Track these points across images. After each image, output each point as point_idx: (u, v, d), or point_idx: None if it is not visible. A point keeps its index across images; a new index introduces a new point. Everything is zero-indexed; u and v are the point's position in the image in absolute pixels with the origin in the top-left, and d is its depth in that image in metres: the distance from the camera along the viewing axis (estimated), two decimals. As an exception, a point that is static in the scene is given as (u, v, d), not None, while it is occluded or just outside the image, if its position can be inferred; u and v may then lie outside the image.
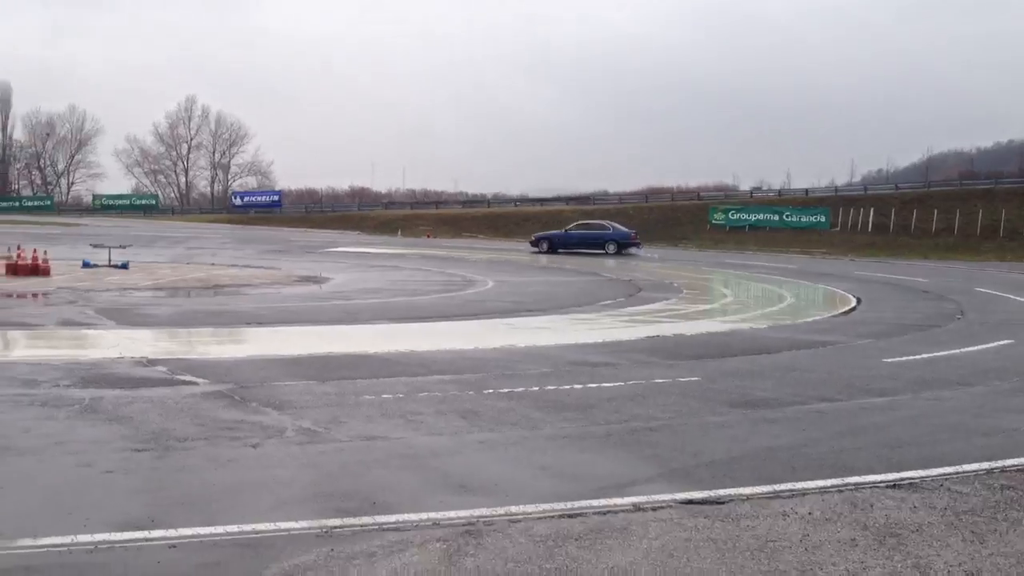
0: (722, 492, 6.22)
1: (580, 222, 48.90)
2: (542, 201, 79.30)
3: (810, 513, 5.82)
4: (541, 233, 46.28)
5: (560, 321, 17.65)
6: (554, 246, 43.14)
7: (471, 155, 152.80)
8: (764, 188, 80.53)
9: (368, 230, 67.19)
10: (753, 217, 63.24)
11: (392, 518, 5.47)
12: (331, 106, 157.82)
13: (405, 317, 17.37)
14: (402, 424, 8.11)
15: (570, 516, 5.63)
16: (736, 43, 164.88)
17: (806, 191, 71.98)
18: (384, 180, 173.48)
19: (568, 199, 79.00)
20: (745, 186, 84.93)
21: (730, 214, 63.97)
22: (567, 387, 10.09)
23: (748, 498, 6.13)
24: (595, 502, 5.92)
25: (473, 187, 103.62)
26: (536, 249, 43.58)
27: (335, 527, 5.28)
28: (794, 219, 61.92)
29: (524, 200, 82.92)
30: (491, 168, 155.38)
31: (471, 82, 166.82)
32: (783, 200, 68.76)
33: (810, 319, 18.86)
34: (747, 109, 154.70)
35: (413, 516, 5.52)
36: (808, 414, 9.07)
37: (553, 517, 5.60)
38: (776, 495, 6.23)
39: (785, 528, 5.50)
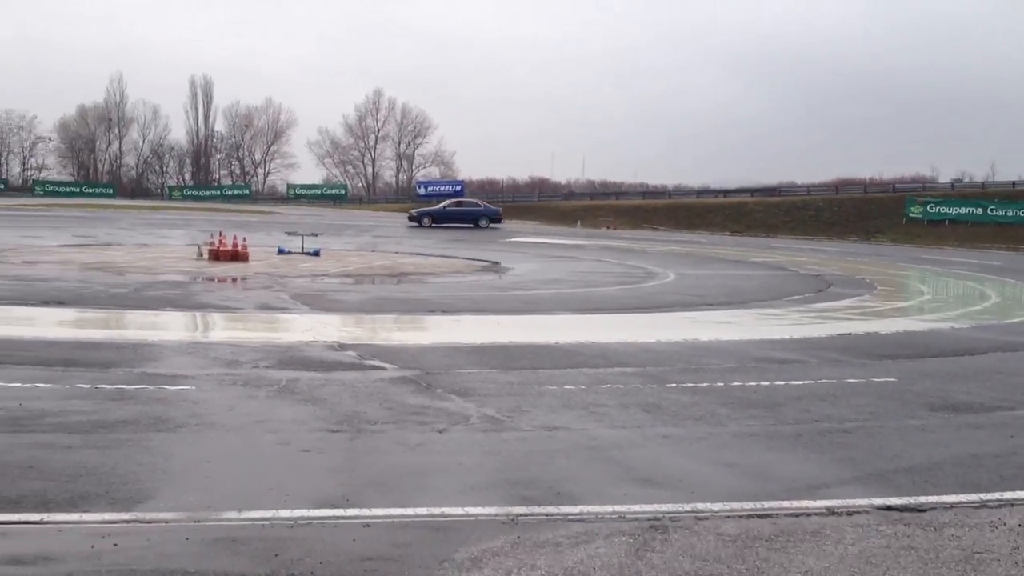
0: (923, 499, 5.94)
1: (455, 200, 56.80)
2: (725, 192, 77.66)
3: (1020, 525, 5.48)
4: (422, 209, 53.18)
5: (744, 316, 17.27)
6: (435, 220, 49.45)
7: (652, 146, 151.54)
8: (966, 180, 76.04)
9: (547, 220, 67.67)
10: (954, 211, 59.79)
11: (576, 509, 5.51)
12: (512, 97, 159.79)
13: (585, 308, 17.42)
14: (584, 415, 8.15)
15: (760, 516, 5.51)
16: (929, 34, 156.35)
17: (1013, 183, 67.46)
18: (564, 171, 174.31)
19: (753, 190, 77.05)
20: (944, 178, 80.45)
21: (928, 207, 60.71)
22: (753, 384, 9.87)
23: (952, 506, 5.84)
24: (786, 503, 5.78)
25: (653, 178, 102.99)
26: (415, 224, 49.20)
27: (521, 515, 5.37)
28: (1000, 213, 58.12)
29: (706, 191, 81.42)
30: (672, 159, 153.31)
31: (653, 72, 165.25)
32: (987, 193, 64.67)
33: (1018, 319, 17.71)
34: (944, 99, 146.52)
35: (597, 508, 5.55)
36: (1017, 420, 8.53)
37: (742, 516, 5.49)
38: (983, 504, 5.90)
39: (993, 540, 5.20)
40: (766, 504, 5.73)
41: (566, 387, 9.33)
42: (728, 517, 5.46)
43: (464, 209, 52.13)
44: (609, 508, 5.55)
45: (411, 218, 50.54)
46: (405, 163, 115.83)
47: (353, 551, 4.76)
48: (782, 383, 9.98)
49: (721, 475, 6.47)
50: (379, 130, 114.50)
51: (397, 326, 14.63)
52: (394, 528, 5.13)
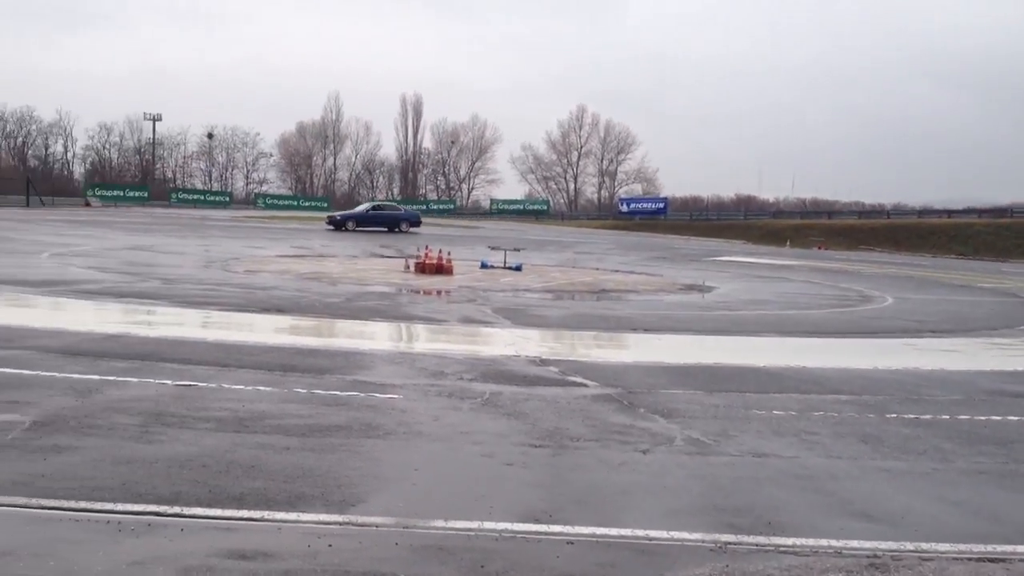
0: None
1: (375, 204, 58.33)
2: (949, 212, 73.46)
3: None
4: (344, 213, 53.82)
5: (971, 345, 16.25)
6: (359, 224, 49.66)
7: (866, 163, 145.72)
8: None
9: (754, 239, 66.15)
10: None
11: (789, 540, 5.33)
12: (719, 112, 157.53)
13: (794, 331, 16.87)
14: (795, 443, 7.88)
15: (991, 560, 5.16)
16: None
17: None
18: (772, 188, 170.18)
19: (980, 211, 72.50)
20: None
21: None
22: (983, 418, 9.27)
23: None
24: (1021, 548, 5.38)
25: (869, 197, 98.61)
26: (333, 228, 49.12)
27: (729, 543, 5.24)
28: None
29: (928, 211, 77.31)
30: (888, 177, 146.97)
31: (867, 88, 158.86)
32: None
33: None
34: None
35: (812, 541, 5.34)
36: None
37: (971, 559, 5.16)
38: None
39: None
40: (999, 548, 5.35)
41: (775, 412, 9.06)
42: (956, 559, 5.14)
43: (385, 213, 52.62)
44: (824, 542, 5.33)
45: (331, 222, 50.34)
46: (607, 180, 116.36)
47: (556, 568, 4.78)
48: (1015, 419, 9.32)
49: (947, 514, 6.10)
50: (582, 146, 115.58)
51: (598, 343, 14.64)
52: (597, 547, 5.12)
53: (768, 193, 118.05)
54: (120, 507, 5.37)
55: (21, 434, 6.84)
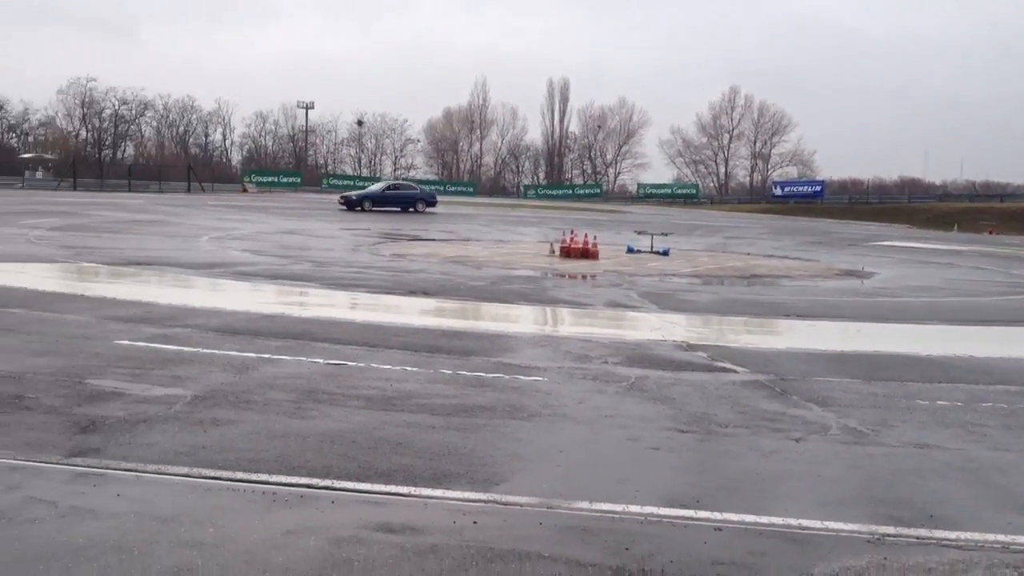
0: None
1: (391, 183, 58.81)
2: None
3: None
4: (360, 192, 51.99)
5: None
6: (375, 204, 48.62)
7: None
8: None
9: (918, 224, 63.54)
10: None
11: (952, 534, 5.12)
12: (879, 92, 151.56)
13: (960, 319, 16.14)
14: (961, 434, 7.55)
15: None
16: None
17: None
18: (938, 171, 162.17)
19: None
20: None
21: None
22: None
23: None
24: None
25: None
26: (346, 208, 47.83)
27: (887, 535, 5.07)
28: None
29: (1114, 192, 72.52)
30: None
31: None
32: None
33: None
34: None
35: (977, 535, 5.12)
36: None
37: None
38: None
39: None
40: None
41: (939, 403, 8.70)
42: None
43: (401, 193, 51.74)
44: (991, 536, 5.10)
45: (345, 202, 48.78)
46: (760, 163, 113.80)
47: (704, 554, 4.73)
48: None
49: None
50: (733, 129, 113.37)
51: (748, 329, 14.36)
52: (747, 535, 5.04)
53: (934, 176, 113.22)
54: (275, 479, 5.61)
55: (183, 407, 7.21)
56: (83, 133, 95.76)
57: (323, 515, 5.04)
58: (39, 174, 70.02)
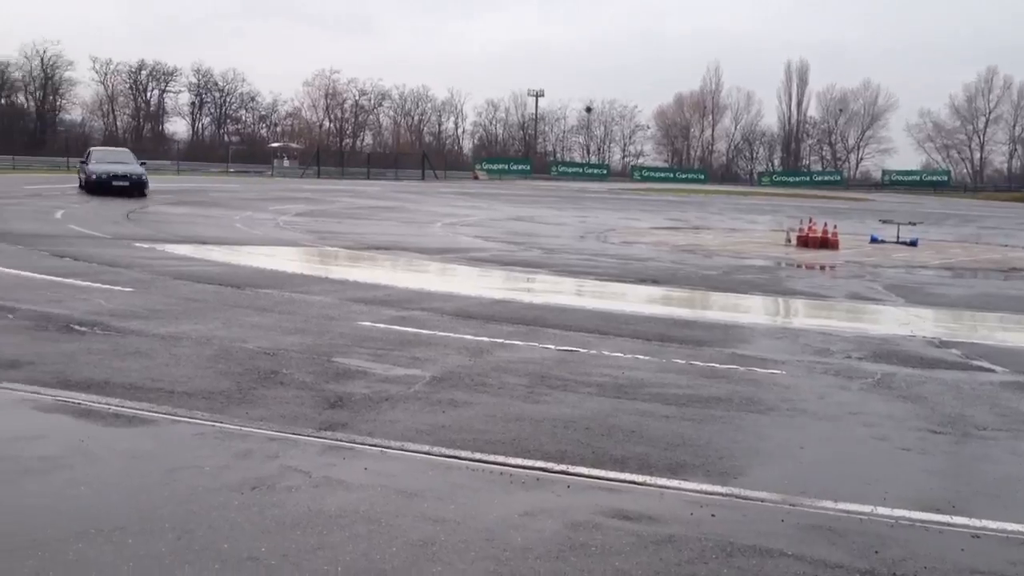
0: None
1: None
2: None
3: None
4: None
5: None
6: None
7: None
8: None
9: None
10: None
11: None
12: None
13: None
14: None
15: None
16: None
17: None
18: None
19: None
20: None
21: None
22: None
23: None
24: None
25: None
26: None
27: None
28: None
29: None
30: None
31: None
32: None
33: None
34: None
35: None
36: None
37: None
38: None
39: None
40: None
41: None
42: None
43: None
44: None
45: None
46: (1020, 148, 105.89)
47: (960, 561, 4.49)
48: None
49: None
50: (990, 112, 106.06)
51: (1006, 326, 13.47)
52: (1008, 544, 4.75)
53: None
54: (511, 460, 5.76)
55: (422, 388, 7.53)
56: (326, 123, 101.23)
57: (559, 499, 5.14)
58: (286, 162, 74.73)
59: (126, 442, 5.80)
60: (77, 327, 9.23)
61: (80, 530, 4.29)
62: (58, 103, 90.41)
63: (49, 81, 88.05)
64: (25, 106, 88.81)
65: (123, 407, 6.50)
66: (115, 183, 32.28)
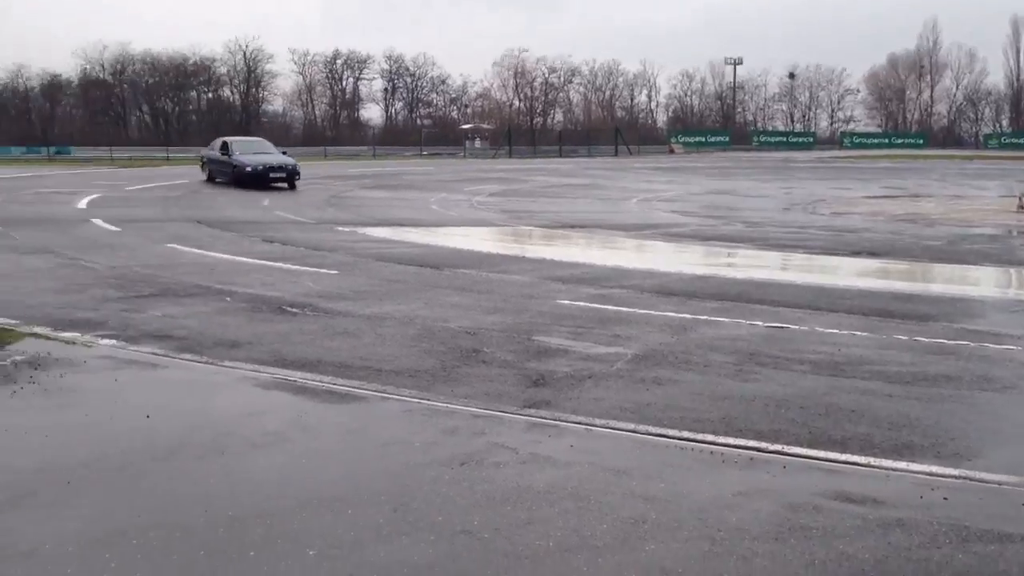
0: None
1: None
2: None
3: None
4: None
5: None
6: None
7: None
8: None
9: None
10: None
11: None
12: None
13: None
14: None
15: None
16: None
17: None
18: None
19: None
20: None
21: None
22: None
23: None
24: None
25: None
26: None
27: None
28: None
29: None
30: None
31: None
32: None
33: None
34: None
35: None
36: None
37: None
38: None
39: None
40: None
41: None
42: None
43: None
44: None
45: None
46: None
47: None
48: None
49: None
50: None
51: None
52: None
53: None
54: (721, 440, 5.71)
55: (625, 365, 7.55)
56: (516, 102, 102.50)
57: (775, 479, 5.06)
58: (477, 143, 76.27)
59: (340, 417, 6.12)
60: (289, 308, 9.76)
61: (303, 500, 4.57)
62: (260, 95, 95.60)
63: (252, 74, 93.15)
64: (231, 99, 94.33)
65: (335, 384, 6.84)
66: (272, 175, 30.18)
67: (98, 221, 19.04)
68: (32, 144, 65.38)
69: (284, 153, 33.35)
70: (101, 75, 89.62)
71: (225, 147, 31.90)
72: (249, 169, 30.00)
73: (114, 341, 8.15)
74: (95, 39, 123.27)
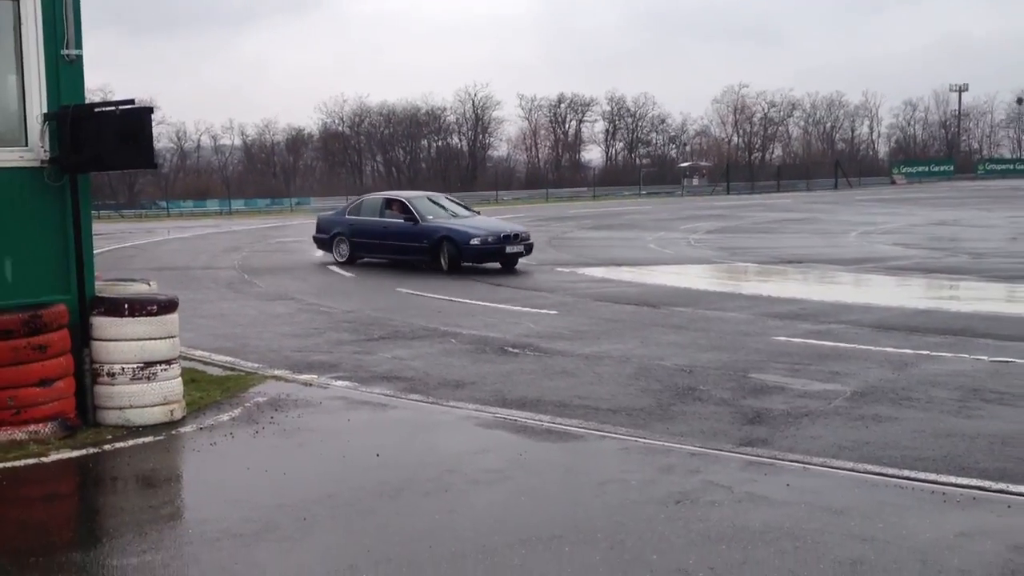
0: None
1: None
2: None
3: None
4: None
5: None
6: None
7: None
8: None
9: None
10: None
11: None
12: None
13: None
14: None
15: None
16: None
17: None
18: None
19: None
20: None
21: None
22: None
23: None
24: None
25: None
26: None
27: None
28: None
29: None
30: None
31: None
32: None
33: None
34: None
35: None
36: None
37: None
38: None
39: None
40: None
41: None
42: None
43: None
44: None
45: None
46: None
47: None
48: None
49: None
50: None
51: None
52: None
53: None
54: (943, 478, 5.43)
55: (843, 403, 7.30)
56: (735, 138, 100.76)
57: (999, 519, 4.77)
58: (695, 181, 75.45)
59: (558, 455, 6.20)
60: (510, 349, 9.97)
61: (523, 537, 4.65)
62: (487, 140, 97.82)
63: (479, 121, 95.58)
64: (459, 145, 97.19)
65: (554, 423, 6.93)
66: (509, 249, 18.93)
67: (334, 268, 19.78)
68: (276, 196, 68.37)
69: (476, 212, 22.26)
70: (340, 127, 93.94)
71: (405, 209, 19.79)
72: (476, 242, 18.63)
73: (347, 383, 8.46)
74: (336, 93, 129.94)
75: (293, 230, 34.03)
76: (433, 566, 4.36)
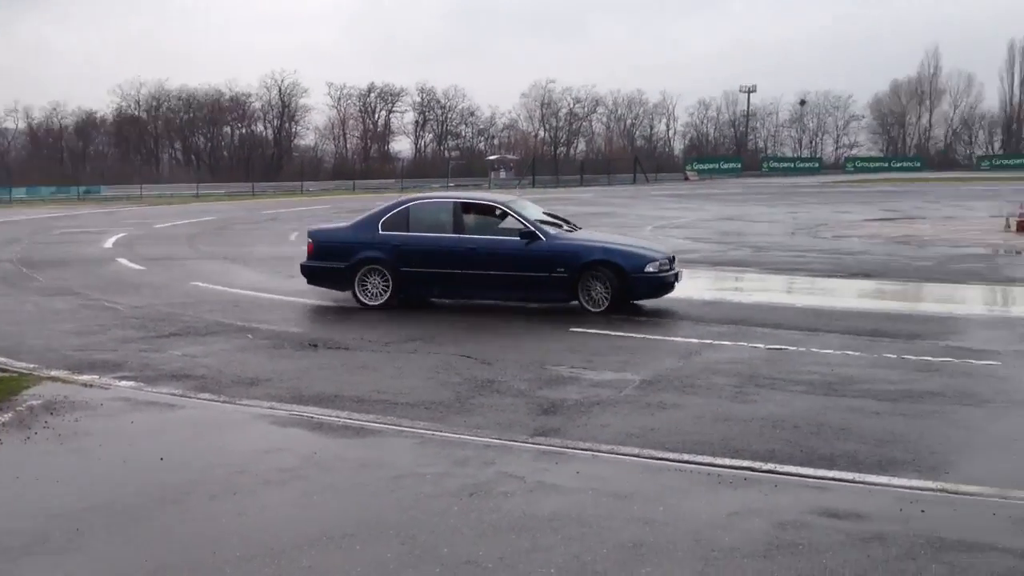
0: None
1: None
2: None
3: None
4: None
5: None
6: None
7: None
8: None
9: None
10: None
11: None
12: None
13: None
14: None
15: None
16: None
17: None
18: None
19: None
20: None
21: None
22: None
23: None
24: None
25: None
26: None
27: None
28: None
29: None
30: None
31: None
32: None
33: None
34: None
35: None
36: None
37: None
38: None
39: None
40: None
41: None
42: None
43: None
44: None
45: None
46: None
47: None
48: None
49: None
50: None
51: None
52: None
53: None
54: (719, 461, 5.72)
55: (633, 391, 7.57)
56: (541, 132, 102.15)
57: (766, 498, 5.07)
58: (503, 173, 76.08)
59: (354, 452, 6.10)
60: (309, 344, 9.76)
61: (314, 538, 4.56)
62: (293, 129, 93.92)
63: (286, 109, 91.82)
64: (264, 134, 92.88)
65: (351, 419, 6.84)
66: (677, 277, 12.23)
67: (123, 260, 18.64)
68: (62, 184, 62.04)
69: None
70: (136, 112, 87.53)
71: (506, 218, 12.39)
72: (653, 268, 11.75)
73: (132, 383, 8.02)
74: (133, 76, 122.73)
75: (80, 220, 32.10)
76: (217, 571, 4.20)
